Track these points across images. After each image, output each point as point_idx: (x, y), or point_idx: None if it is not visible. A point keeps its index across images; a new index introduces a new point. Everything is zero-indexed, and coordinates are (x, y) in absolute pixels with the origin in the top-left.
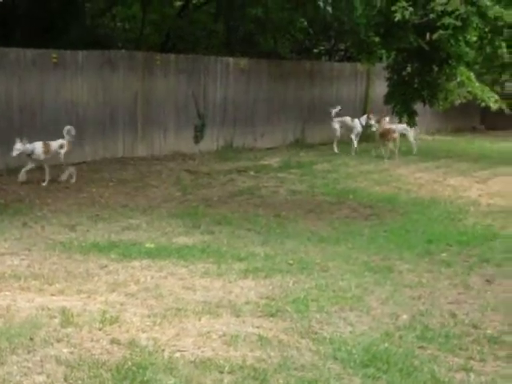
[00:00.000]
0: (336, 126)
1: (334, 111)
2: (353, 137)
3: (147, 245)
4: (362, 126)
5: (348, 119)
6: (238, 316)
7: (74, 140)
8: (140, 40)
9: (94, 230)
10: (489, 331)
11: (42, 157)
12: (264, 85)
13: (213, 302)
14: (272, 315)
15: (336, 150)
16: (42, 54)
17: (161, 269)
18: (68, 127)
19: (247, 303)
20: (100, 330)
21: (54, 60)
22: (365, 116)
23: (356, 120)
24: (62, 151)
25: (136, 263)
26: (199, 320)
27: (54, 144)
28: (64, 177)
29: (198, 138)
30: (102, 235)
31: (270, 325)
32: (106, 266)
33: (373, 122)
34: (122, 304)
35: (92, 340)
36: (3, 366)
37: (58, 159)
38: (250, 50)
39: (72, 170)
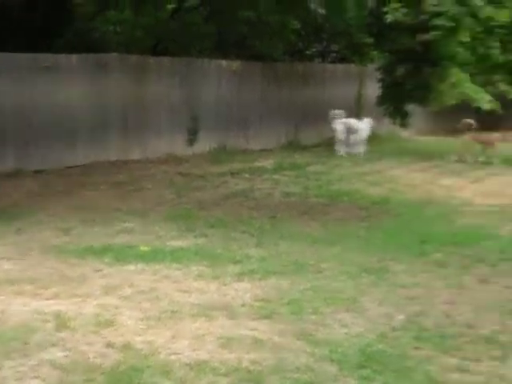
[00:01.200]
0: (338, 127)
1: (333, 113)
2: (358, 139)
3: (141, 248)
4: (368, 129)
5: (352, 121)
6: (233, 318)
7: None
8: (131, 43)
9: (88, 234)
10: (484, 331)
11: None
12: (257, 87)
13: (208, 305)
14: (267, 317)
15: (338, 151)
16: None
17: (155, 272)
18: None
19: (242, 305)
20: (95, 333)
21: (47, 64)
22: (369, 119)
23: (361, 123)
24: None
25: (130, 266)
26: (194, 323)
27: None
28: None
29: (191, 141)
30: (97, 239)
31: (265, 327)
32: (100, 270)
33: None
34: (116, 307)
35: (87, 343)
36: None
37: None
38: (242, 52)
39: None
